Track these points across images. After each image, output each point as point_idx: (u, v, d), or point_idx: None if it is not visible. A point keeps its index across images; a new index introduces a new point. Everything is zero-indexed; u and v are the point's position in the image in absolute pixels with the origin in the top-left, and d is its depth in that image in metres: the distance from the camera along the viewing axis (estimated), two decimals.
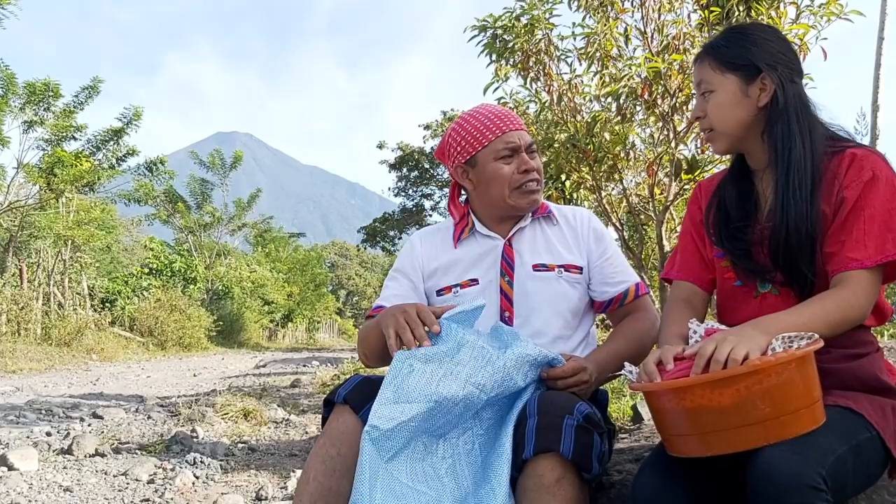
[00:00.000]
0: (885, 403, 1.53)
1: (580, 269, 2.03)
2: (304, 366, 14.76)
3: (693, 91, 5.16)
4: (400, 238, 28.87)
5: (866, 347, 1.61)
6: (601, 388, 1.97)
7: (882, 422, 1.46)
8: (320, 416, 6.60)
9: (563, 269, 2.01)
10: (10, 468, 4.01)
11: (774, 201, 1.61)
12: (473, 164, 2.02)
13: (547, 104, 6.25)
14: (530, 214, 2.07)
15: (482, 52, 6.00)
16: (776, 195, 1.60)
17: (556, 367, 1.73)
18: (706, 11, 5.20)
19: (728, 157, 1.80)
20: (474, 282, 2.03)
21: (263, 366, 15.35)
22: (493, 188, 2.00)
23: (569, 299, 2.00)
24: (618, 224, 7.13)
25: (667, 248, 6.11)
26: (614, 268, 2.05)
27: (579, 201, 7.66)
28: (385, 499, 1.51)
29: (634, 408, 4.36)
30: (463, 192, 2.17)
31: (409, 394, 1.58)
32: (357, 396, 1.70)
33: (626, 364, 1.53)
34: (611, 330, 2.13)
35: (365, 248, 29.56)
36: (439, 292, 2.07)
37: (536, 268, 2.00)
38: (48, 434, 5.35)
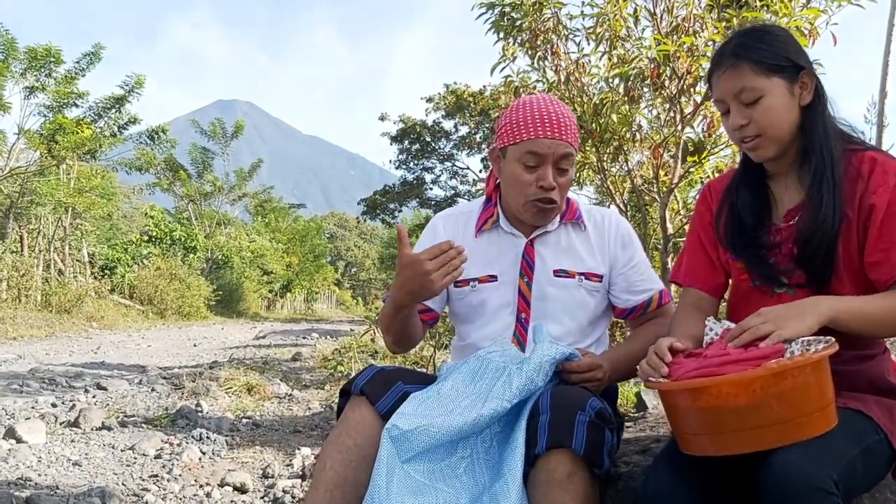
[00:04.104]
0: (892, 405, 1.55)
1: (600, 277, 1.99)
2: (304, 338, 14.84)
3: (702, 74, 5.16)
4: (400, 211, 28.75)
5: (875, 348, 1.63)
6: None
7: (890, 424, 1.49)
8: (322, 391, 6.64)
9: (583, 277, 1.97)
10: (19, 441, 4.06)
11: (809, 201, 1.59)
12: (504, 155, 1.97)
13: (554, 84, 6.21)
14: (558, 218, 2.01)
15: (489, 29, 5.95)
16: (815, 195, 1.57)
17: (573, 361, 1.74)
18: None
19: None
20: (493, 278, 1.99)
21: (263, 337, 15.43)
22: (511, 190, 1.96)
23: (587, 307, 1.98)
24: (621, 205, 7.12)
25: (670, 230, 6.11)
26: (640, 276, 2.02)
27: (583, 181, 7.65)
28: (401, 494, 1.53)
29: (638, 395, 4.35)
30: None
31: (433, 414, 1.63)
32: (373, 388, 1.72)
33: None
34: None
35: (365, 220, 29.46)
36: (457, 284, 2.02)
37: (557, 273, 1.97)
38: (54, 405, 5.41)
